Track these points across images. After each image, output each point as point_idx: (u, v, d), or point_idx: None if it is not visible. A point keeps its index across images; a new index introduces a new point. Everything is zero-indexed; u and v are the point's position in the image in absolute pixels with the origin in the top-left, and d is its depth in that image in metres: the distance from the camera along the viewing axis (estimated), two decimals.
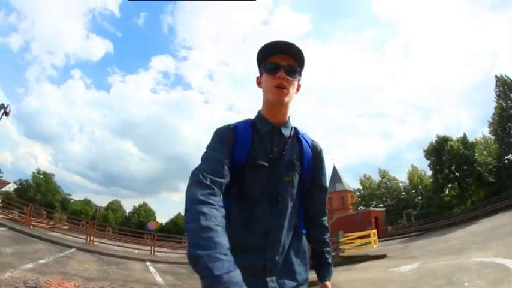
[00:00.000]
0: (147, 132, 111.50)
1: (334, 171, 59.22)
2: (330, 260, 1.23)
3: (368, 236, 17.42)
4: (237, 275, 0.67)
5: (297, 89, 1.13)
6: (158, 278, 8.95)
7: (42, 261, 7.78)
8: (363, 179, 43.61)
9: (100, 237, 16.76)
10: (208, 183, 0.89)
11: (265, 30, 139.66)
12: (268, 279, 1.01)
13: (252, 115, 1.18)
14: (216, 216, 0.79)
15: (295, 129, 1.18)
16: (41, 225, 16.05)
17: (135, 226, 49.30)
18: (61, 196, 52.54)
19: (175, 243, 21.27)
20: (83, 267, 8.46)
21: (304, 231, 1.18)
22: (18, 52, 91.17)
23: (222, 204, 0.87)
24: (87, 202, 56.69)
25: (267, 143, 1.10)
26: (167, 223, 59.58)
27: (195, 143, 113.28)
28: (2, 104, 18.13)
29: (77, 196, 68.72)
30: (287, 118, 1.15)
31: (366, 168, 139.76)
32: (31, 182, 47.35)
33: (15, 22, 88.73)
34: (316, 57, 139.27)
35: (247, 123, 1.14)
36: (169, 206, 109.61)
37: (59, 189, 51.84)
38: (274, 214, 1.06)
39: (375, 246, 16.89)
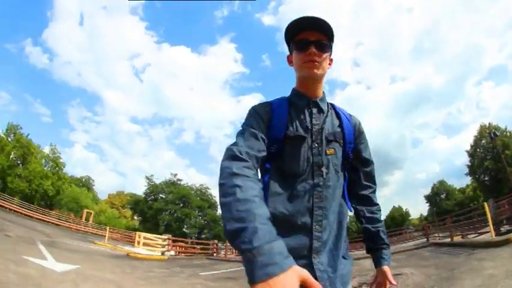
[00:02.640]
0: None
1: None
2: (387, 241, 1.13)
3: None
4: (279, 244, 0.63)
5: (329, 64, 1.11)
6: None
7: None
8: None
9: None
10: (243, 156, 0.86)
11: None
12: (315, 260, 0.94)
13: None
14: (252, 187, 0.75)
15: (332, 104, 1.17)
16: None
17: None
18: None
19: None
20: None
21: (350, 209, 1.13)
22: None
23: (258, 178, 0.85)
24: None
25: (305, 116, 1.07)
26: (385, 220, 47.53)
27: None
28: None
29: None
30: (322, 93, 1.12)
31: None
32: None
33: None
34: None
35: (283, 99, 1.12)
36: None
37: None
38: (319, 189, 1.00)
39: None
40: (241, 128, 1.02)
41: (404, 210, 48.38)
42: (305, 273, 0.61)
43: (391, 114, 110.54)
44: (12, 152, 35.71)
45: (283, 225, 0.92)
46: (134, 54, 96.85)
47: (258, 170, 0.93)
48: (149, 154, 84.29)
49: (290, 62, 1.12)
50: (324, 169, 1.01)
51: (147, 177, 49.39)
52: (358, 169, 1.16)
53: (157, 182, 48.73)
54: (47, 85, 75.38)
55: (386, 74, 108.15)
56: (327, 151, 1.03)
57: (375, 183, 1.20)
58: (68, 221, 26.37)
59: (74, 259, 8.00)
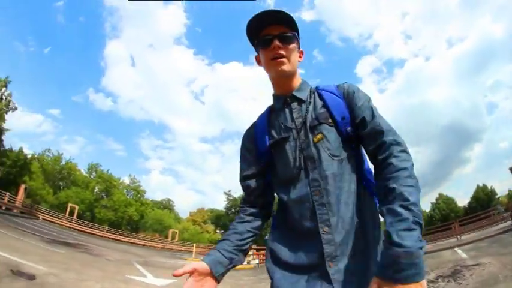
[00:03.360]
0: None
1: None
2: (406, 223, 0.68)
3: None
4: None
5: (300, 56, 1.06)
6: None
7: None
8: None
9: None
10: (240, 208, 1.10)
11: None
12: (330, 269, 0.82)
13: None
14: (234, 229, 1.02)
15: (317, 87, 1.06)
16: None
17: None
18: None
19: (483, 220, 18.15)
20: None
21: (374, 194, 0.93)
22: None
23: (250, 212, 1.06)
24: None
25: (285, 115, 1.02)
26: (470, 203, 41.34)
27: None
28: None
29: None
30: (299, 83, 1.05)
31: None
32: None
33: None
34: None
35: (266, 110, 1.12)
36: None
37: None
38: (315, 183, 0.90)
39: None
40: (239, 172, 1.12)
41: (489, 188, 42.36)
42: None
43: (457, 82, 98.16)
44: (96, 187, 40.94)
45: (297, 234, 0.92)
46: (190, 79, 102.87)
47: (250, 208, 1.08)
48: (223, 169, 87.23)
49: (259, 62, 1.07)
50: (313, 161, 0.92)
51: (225, 193, 51.86)
52: (362, 135, 0.93)
53: (236, 195, 50.87)
54: (115, 124, 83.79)
55: (441, 38, 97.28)
56: (314, 139, 0.94)
57: (389, 140, 0.86)
58: (155, 241, 29.14)
59: (169, 274, 8.74)
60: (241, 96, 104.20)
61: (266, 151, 1.02)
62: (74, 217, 28.95)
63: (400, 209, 0.70)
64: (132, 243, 26.08)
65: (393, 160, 0.81)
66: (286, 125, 1.00)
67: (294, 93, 1.02)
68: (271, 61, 0.99)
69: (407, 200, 0.71)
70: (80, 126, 79.83)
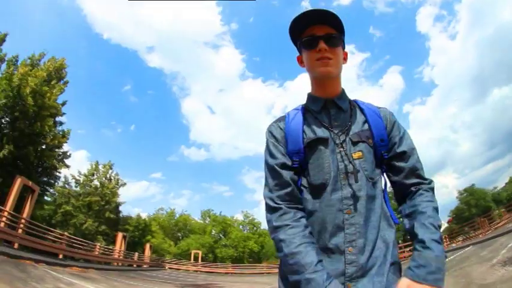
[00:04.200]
0: None
1: None
2: (430, 241, 0.80)
3: None
4: (333, 285, 0.75)
5: (344, 58, 1.03)
6: None
7: None
8: None
9: None
10: (277, 204, 0.90)
11: None
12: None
13: None
14: (293, 237, 0.83)
15: (355, 100, 1.06)
16: None
17: None
18: None
19: None
20: None
21: (396, 221, 0.94)
22: None
23: (297, 216, 0.88)
24: None
25: (323, 118, 0.99)
26: None
27: None
28: None
29: None
30: (340, 90, 1.02)
31: None
32: None
33: None
34: None
35: (298, 108, 1.05)
36: None
37: None
38: (348, 202, 0.89)
39: None
40: (265, 163, 1.00)
41: None
42: None
43: None
44: (213, 230, 43.66)
45: (321, 247, 0.88)
46: (269, 106, 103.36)
47: (293, 209, 0.90)
48: None
49: (301, 62, 1.05)
50: (352, 177, 0.89)
51: None
52: (396, 165, 0.96)
53: None
54: (215, 169, 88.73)
55: None
56: (353, 155, 0.92)
57: (423, 178, 0.95)
58: (276, 267, 28.98)
59: None
60: None
61: (298, 150, 0.96)
62: (199, 261, 30.94)
63: (432, 226, 0.82)
64: (256, 273, 26.35)
65: (426, 193, 0.91)
66: (325, 128, 0.96)
67: (336, 99, 1.00)
68: (316, 61, 0.95)
69: (436, 221, 0.83)
70: (182, 181, 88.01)
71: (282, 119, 1.05)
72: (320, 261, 0.79)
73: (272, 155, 0.98)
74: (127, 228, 30.17)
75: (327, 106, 0.99)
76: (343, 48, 1.00)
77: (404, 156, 0.95)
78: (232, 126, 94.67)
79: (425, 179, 0.95)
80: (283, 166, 0.95)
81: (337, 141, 0.92)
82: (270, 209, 0.91)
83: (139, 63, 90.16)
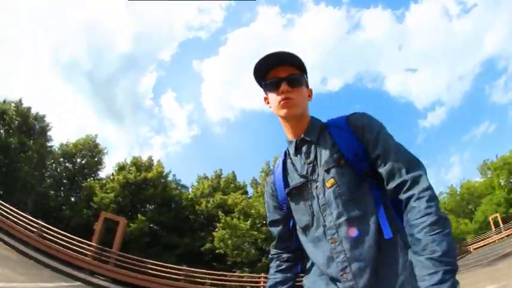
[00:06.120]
0: None
1: None
2: (439, 275, 0.71)
3: None
4: None
5: (309, 96, 1.06)
6: None
7: None
8: None
9: None
10: (273, 255, 1.15)
11: None
12: None
13: None
14: (275, 278, 1.09)
15: (325, 123, 1.04)
16: None
17: None
18: None
19: None
20: None
21: (390, 236, 0.87)
22: None
23: (285, 258, 1.11)
24: None
25: (298, 161, 1.01)
26: None
27: None
28: None
29: None
30: (308, 122, 1.03)
31: None
32: None
33: None
34: None
35: (281, 155, 1.11)
36: None
37: None
38: (331, 231, 0.90)
39: None
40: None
41: None
42: None
43: None
44: (500, 180, 34.68)
45: (327, 280, 0.94)
46: None
47: (283, 257, 1.12)
48: None
49: (268, 103, 1.05)
50: (326, 208, 0.91)
51: None
52: (380, 175, 0.90)
53: None
54: None
55: None
56: (327, 184, 0.92)
57: (408, 179, 0.84)
58: None
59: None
60: None
61: (284, 198, 1.03)
62: (500, 225, 25.87)
63: (428, 262, 0.72)
64: None
65: (416, 204, 0.80)
66: (300, 172, 0.99)
67: (304, 136, 1.00)
68: (279, 103, 0.97)
69: (435, 251, 0.72)
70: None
71: (273, 170, 1.13)
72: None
73: (267, 212, 1.16)
74: None
75: (299, 145, 1.01)
76: (307, 86, 1.02)
77: (380, 159, 0.88)
78: None
79: (414, 178, 0.83)
80: (272, 223, 1.13)
81: (313, 178, 0.94)
82: (270, 262, 1.14)
83: None
